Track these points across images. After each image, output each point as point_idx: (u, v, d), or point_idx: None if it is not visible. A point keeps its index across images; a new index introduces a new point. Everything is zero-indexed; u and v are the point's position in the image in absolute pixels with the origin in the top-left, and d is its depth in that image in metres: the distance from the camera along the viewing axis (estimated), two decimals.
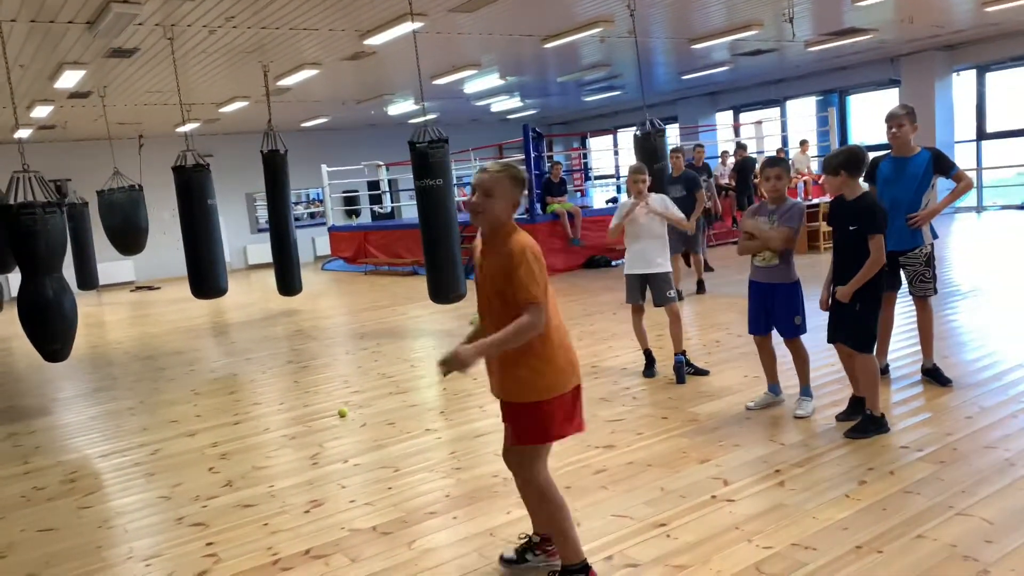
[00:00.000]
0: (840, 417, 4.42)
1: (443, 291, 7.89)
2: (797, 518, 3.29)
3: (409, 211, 19.15)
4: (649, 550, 3.14)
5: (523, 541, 3.13)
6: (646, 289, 5.70)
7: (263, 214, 19.41)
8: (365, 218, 19.95)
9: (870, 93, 17.51)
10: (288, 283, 10.50)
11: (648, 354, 5.87)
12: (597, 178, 22.30)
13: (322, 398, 6.10)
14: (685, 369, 5.60)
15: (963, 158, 15.16)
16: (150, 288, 16.95)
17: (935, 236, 4.94)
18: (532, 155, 12.92)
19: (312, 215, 20.64)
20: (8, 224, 6.20)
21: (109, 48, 8.96)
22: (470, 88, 14.84)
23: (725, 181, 14.50)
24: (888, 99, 16.70)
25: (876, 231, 4.06)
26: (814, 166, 16.07)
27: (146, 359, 8.51)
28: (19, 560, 3.64)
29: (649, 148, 9.11)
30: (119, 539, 3.79)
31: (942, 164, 4.79)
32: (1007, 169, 16.39)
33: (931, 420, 4.35)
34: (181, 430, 5.57)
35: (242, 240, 19.67)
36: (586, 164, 21.79)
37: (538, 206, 12.85)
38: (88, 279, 13.04)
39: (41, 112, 12.48)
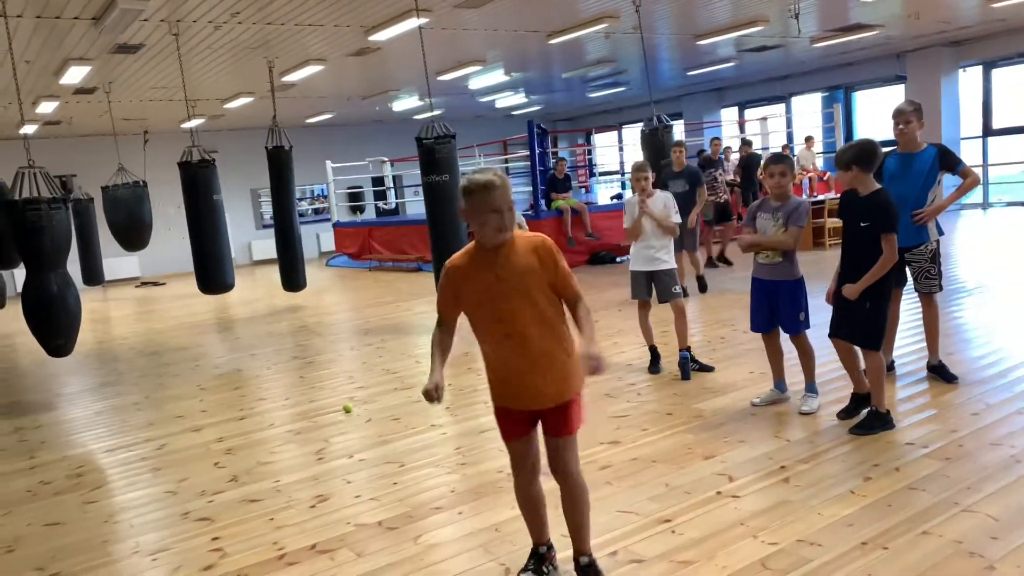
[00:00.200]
0: (841, 415, 4.40)
1: None
2: (802, 514, 3.29)
3: (413, 207, 19.18)
4: (654, 546, 3.14)
5: (544, 551, 2.99)
6: (652, 285, 5.70)
7: (268, 210, 19.44)
8: (369, 214, 19.96)
9: (876, 89, 17.47)
10: (293, 279, 10.53)
11: (653, 350, 5.87)
12: (601, 174, 22.27)
13: (327, 394, 6.11)
14: (690, 365, 5.60)
15: (969, 154, 15.11)
16: (155, 284, 16.98)
17: (941, 232, 4.93)
18: (537, 151, 12.90)
19: (316, 211, 20.65)
20: (13, 220, 6.22)
21: (114, 44, 8.97)
22: (475, 84, 14.83)
23: (730, 177, 14.46)
24: (894, 95, 16.67)
25: (890, 229, 4.02)
26: (819, 163, 16.03)
27: (151, 355, 8.53)
28: (26, 554, 3.65)
29: (656, 144, 9.11)
30: (125, 533, 3.81)
31: (948, 160, 4.78)
32: (1013, 165, 16.33)
33: (936, 417, 4.34)
34: (187, 425, 5.59)
35: (247, 236, 19.70)
36: (591, 160, 21.77)
37: (543, 202, 12.84)
38: (94, 275, 13.07)
39: (47, 108, 12.51)
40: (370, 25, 9.26)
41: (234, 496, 4.13)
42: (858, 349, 4.29)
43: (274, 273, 11.64)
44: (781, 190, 4.55)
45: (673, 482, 3.76)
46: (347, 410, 5.51)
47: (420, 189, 8.36)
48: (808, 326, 4.62)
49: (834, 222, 11.76)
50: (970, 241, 11.87)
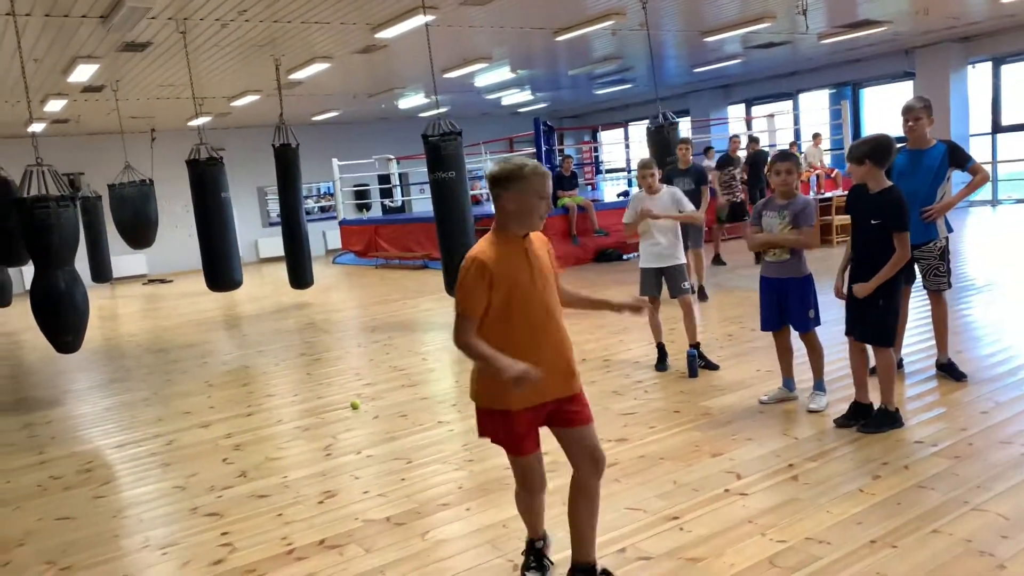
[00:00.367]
0: (839, 421, 4.28)
1: None
2: (811, 512, 3.28)
3: (419, 205, 19.19)
4: (662, 543, 3.14)
5: (539, 546, 2.99)
6: (662, 282, 5.72)
7: (274, 208, 19.47)
8: (376, 212, 19.98)
9: (884, 86, 17.39)
10: (300, 276, 10.55)
11: (661, 348, 5.87)
12: (608, 171, 22.25)
13: (335, 390, 6.13)
14: (697, 362, 5.59)
15: (978, 151, 15.02)
16: (162, 281, 17.04)
17: (950, 229, 4.91)
18: (543, 149, 12.89)
19: (323, 209, 20.67)
20: (22, 217, 6.25)
21: (122, 42, 8.99)
22: (481, 81, 14.81)
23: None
24: (902, 92, 16.59)
25: (902, 228, 4.00)
26: (827, 160, 15.97)
27: (159, 351, 8.56)
28: (37, 548, 3.67)
29: (662, 141, 9.07)
30: (135, 528, 3.83)
31: (958, 157, 4.76)
32: (1022, 162, 16.24)
33: (946, 415, 4.33)
34: (195, 421, 5.61)
35: (253, 233, 19.73)
36: (597, 158, 21.74)
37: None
38: (102, 272, 13.13)
39: (55, 106, 12.55)
40: (376, 23, 9.26)
41: (242, 491, 4.14)
42: (870, 354, 4.27)
43: (281, 271, 11.67)
44: (787, 188, 4.54)
45: (681, 479, 3.75)
46: (354, 407, 5.52)
47: (425, 187, 8.37)
48: (818, 323, 4.61)
49: (842, 219, 11.73)
50: (979, 238, 11.82)
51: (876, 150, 4.05)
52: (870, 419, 4.19)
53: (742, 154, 14.74)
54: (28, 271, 14.00)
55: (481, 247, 2.65)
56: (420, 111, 18.25)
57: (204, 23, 8.55)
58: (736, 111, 20.51)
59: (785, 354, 4.79)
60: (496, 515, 3.54)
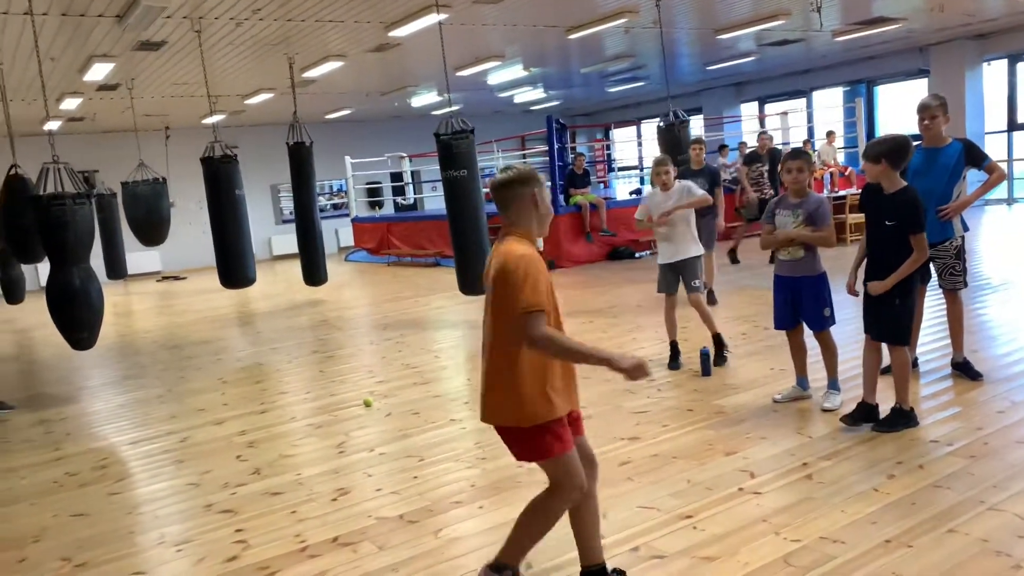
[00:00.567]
0: (847, 421, 4.23)
1: (472, 282, 7.87)
2: (825, 511, 3.27)
3: (431, 203, 19.21)
4: (676, 542, 3.13)
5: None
6: (679, 279, 5.76)
7: (287, 205, 19.54)
8: (388, 210, 20.01)
9: (898, 83, 17.26)
10: (314, 273, 10.59)
11: (674, 346, 5.86)
12: (620, 169, 22.20)
13: (347, 388, 6.15)
14: (710, 361, 5.57)
15: (994, 149, 14.90)
16: (176, 278, 17.13)
17: (966, 228, 4.87)
18: (555, 146, 12.88)
19: (335, 206, 20.73)
20: (38, 215, 6.30)
21: (138, 41, 9.05)
22: (493, 79, 14.82)
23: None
24: (917, 89, 16.47)
25: (919, 229, 3.98)
26: (841, 158, 15.88)
27: (173, 348, 8.62)
28: (53, 544, 3.70)
29: (672, 139, 9.02)
30: (150, 524, 3.85)
31: (974, 155, 4.72)
32: None
33: (961, 414, 4.30)
34: (209, 418, 5.64)
35: (267, 231, 19.80)
36: (609, 155, 21.70)
37: (561, 198, 12.82)
38: (117, 269, 13.21)
39: (70, 104, 12.65)
40: (390, 21, 9.27)
41: (256, 489, 4.16)
42: (885, 355, 4.24)
43: (294, 268, 11.72)
44: (798, 186, 4.52)
45: (694, 478, 3.75)
46: (367, 404, 5.54)
47: (438, 185, 8.38)
48: (833, 322, 4.59)
49: (856, 217, 11.67)
50: (995, 237, 11.73)
51: (893, 150, 4.02)
52: (885, 418, 4.17)
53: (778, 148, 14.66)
54: (42, 268, 14.11)
55: (525, 246, 2.57)
56: (433, 109, 18.27)
57: (219, 22, 8.59)
58: (749, 109, 20.42)
59: (799, 353, 4.77)
60: (509, 513, 3.52)
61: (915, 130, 4.84)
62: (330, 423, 5.24)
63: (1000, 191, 15.38)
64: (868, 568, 2.80)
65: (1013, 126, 15.64)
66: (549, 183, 13.35)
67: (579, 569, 2.81)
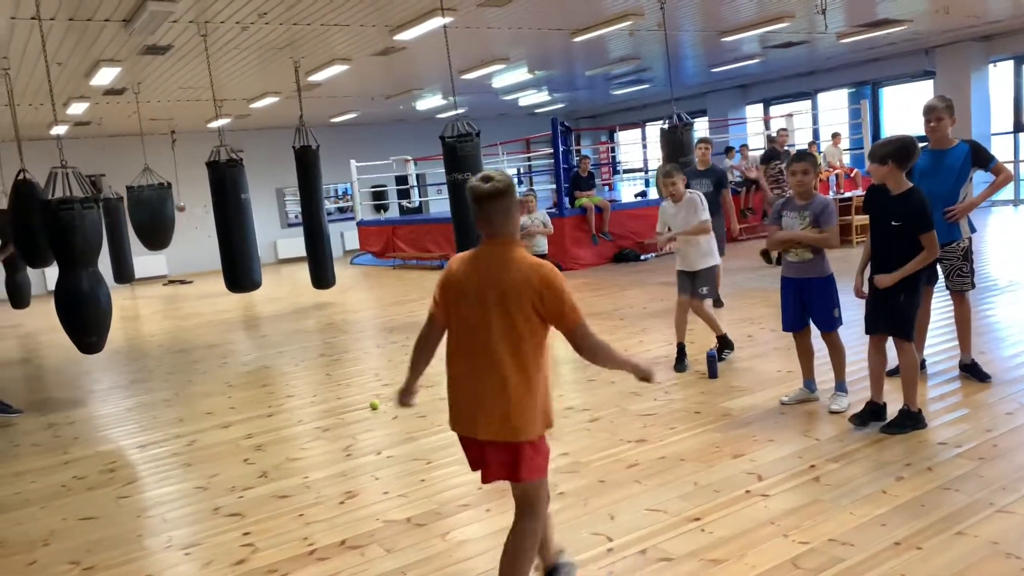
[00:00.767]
0: (854, 420, 4.26)
1: None
2: (833, 513, 3.26)
3: (436, 205, 19.21)
4: (683, 544, 3.13)
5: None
6: (694, 283, 5.85)
7: (292, 209, 19.59)
8: (393, 213, 20.04)
9: (904, 85, 17.23)
10: (322, 276, 10.61)
11: (681, 348, 5.87)
12: (625, 172, 22.19)
13: (354, 391, 6.15)
14: (717, 364, 5.58)
15: (1000, 150, 14.85)
16: (182, 282, 17.17)
17: (973, 230, 4.86)
18: (560, 149, 12.88)
19: (341, 210, 20.76)
20: (47, 219, 6.32)
21: (144, 45, 9.08)
22: (498, 82, 14.83)
23: (753, 175, 14.35)
24: (922, 91, 16.43)
25: (928, 228, 3.99)
26: (846, 159, 15.85)
27: (180, 352, 8.63)
28: (62, 547, 3.72)
29: (675, 142, 8.99)
30: (158, 528, 3.86)
31: (981, 157, 4.72)
32: None
33: (969, 416, 4.29)
34: (216, 422, 5.65)
35: (272, 235, 19.84)
36: (614, 158, 21.69)
37: (566, 200, 12.82)
38: (124, 273, 13.24)
39: (77, 109, 12.69)
40: (395, 24, 9.29)
41: (264, 492, 4.17)
42: (890, 357, 4.23)
43: (299, 271, 11.74)
44: (804, 188, 4.53)
45: (702, 480, 3.74)
46: (374, 407, 5.54)
47: (443, 187, 8.38)
48: (841, 323, 4.58)
49: (862, 219, 11.64)
50: (1002, 238, 11.69)
51: (900, 151, 4.02)
52: (892, 420, 4.16)
53: (752, 155, 14.65)
54: (47, 272, 14.14)
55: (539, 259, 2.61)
56: (437, 112, 18.30)
57: (225, 26, 8.62)
58: (754, 111, 20.39)
59: (806, 355, 4.76)
60: None
61: (921, 132, 4.84)
62: (337, 426, 5.25)
63: (1007, 192, 15.33)
64: (877, 570, 2.80)
65: (1019, 127, 15.59)
66: (554, 186, 13.37)
67: (585, 570, 2.81)
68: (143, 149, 12.85)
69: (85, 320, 6.54)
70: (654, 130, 21.40)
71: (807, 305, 4.60)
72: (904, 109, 17.14)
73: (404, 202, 19.99)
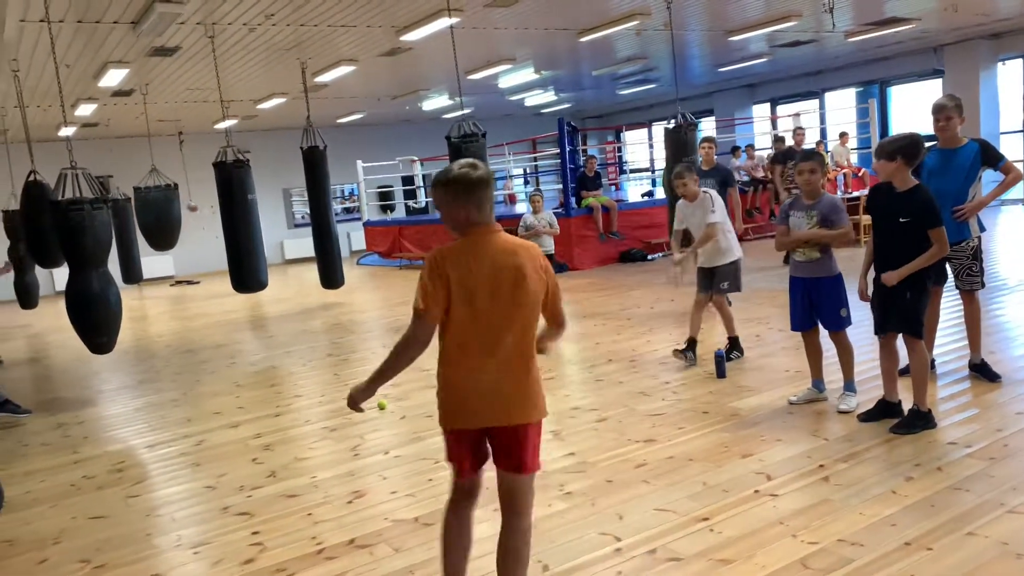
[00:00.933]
0: (863, 418, 4.28)
1: None
2: (843, 514, 3.25)
3: None
4: (692, 544, 3.12)
5: None
6: (714, 280, 5.90)
7: (299, 209, 19.64)
8: (399, 213, 20.06)
9: (912, 84, 17.17)
10: (330, 276, 10.63)
11: (691, 342, 5.88)
12: (632, 171, 22.17)
13: None
14: (725, 363, 5.56)
15: (1009, 149, 14.78)
16: (189, 282, 17.23)
17: (982, 229, 4.84)
18: (567, 149, 12.87)
19: (347, 210, 20.79)
20: (57, 220, 6.35)
21: (152, 47, 9.12)
22: (504, 83, 14.84)
23: (759, 175, 14.32)
24: (931, 90, 16.37)
25: (938, 224, 3.97)
26: (854, 159, 15.80)
27: (187, 352, 8.66)
28: (72, 546, 3.73)
29: (680, 142, 8.96)
30: (167, 527, 3.87)
31: (990, 156, 4.70)
32: None
33: (979, 416, 4.27)
34: (224, 421, 5.67)
35: (279, 235, 19.89)
36: (621, 158, 21.67)
37: (573, 200, 12.82)
38: (132, 273, 13.30)
39: (85, 110, 12.75)
40: (402, 25, 9.31)
41: (272, 491, 4.17)
42: (901, 356, 4.21)
43: (306, 272, 11.77)
44: (811, 187, 4.52)
45: (710, 480, 3.73)
46: (381, 407, 5.51)
47: None
48: (850, 322, 4.57)
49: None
50: (1012, 237, 11.65)
51: (909, 147, 4.01)
52: (902, 420, 4.14)
53: (758, 154, 14.58)
54: (56, 273, 14.21)
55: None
56: (444, 112, 18.31)
57: (232, 27, 8.65)
58: (761, 110, 20.35)
59: (815, 354, 4.75)
60: None
61: (930, 131, 4.82)
62: (345, 426, 5.26)
63: (1016, 191, 15.18)
64: (887, 571, 2.79)
65: None
66: (560, 186, 13.37)
67: (593, 570, 2.81)
68: (151, 150, 12.88)
69: (96, 320, 6.57)
70: (660, 130, 21.41)
71: (815, 305, 4.59)
72: (912, 108, 17.06)
73: (410, 202, 20.01)
